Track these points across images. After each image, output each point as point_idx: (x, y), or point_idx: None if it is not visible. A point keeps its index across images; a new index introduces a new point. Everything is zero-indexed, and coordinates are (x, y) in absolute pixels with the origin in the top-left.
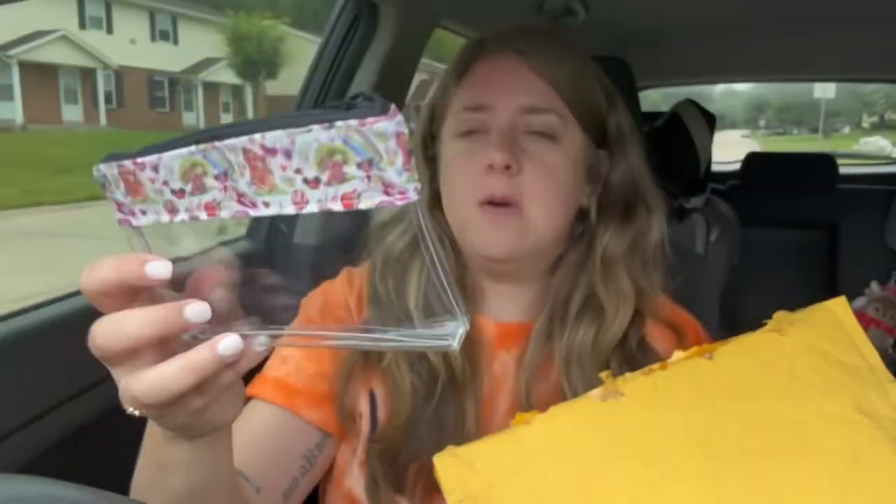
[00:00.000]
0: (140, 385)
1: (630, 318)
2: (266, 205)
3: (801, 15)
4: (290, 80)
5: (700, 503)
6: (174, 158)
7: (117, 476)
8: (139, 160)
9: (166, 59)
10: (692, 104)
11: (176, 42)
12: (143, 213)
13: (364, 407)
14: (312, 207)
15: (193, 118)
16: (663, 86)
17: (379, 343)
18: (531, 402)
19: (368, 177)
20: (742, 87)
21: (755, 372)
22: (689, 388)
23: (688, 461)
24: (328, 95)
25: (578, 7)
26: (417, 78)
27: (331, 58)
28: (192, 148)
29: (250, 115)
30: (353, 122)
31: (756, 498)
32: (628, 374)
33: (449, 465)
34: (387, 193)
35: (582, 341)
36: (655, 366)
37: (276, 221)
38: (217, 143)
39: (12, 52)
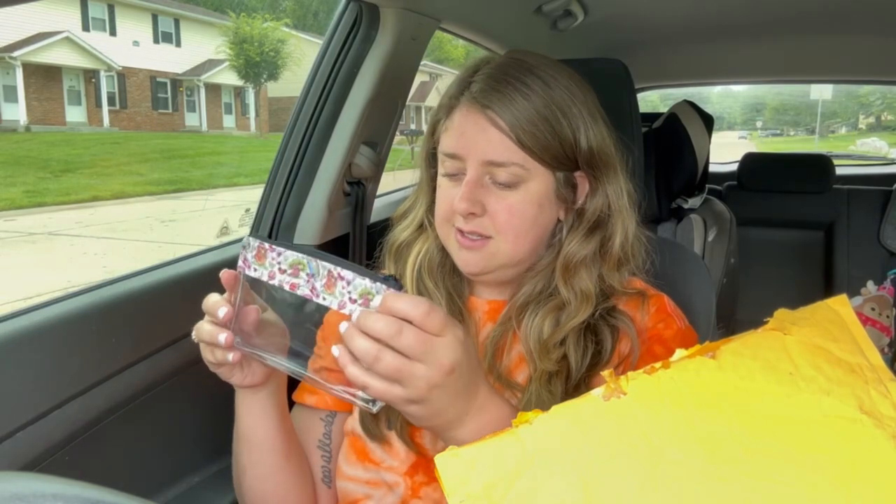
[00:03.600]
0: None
1: (591, 310)
2: (324, 299)
3: (797, 18)
4: (292, 82)
5: (703, 502)
6: (292, 255)
7: (120, 473)
8: (274, 247)
9: (169, 60)
10: (690, 105)
11: (178, 44)
12: (255, 270)
13: None
14: (346, 311)
15: (196, 119)
16: (662, 87)
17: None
18: (497, 366)
19: None
20: (739, 89)
21: (758, 371)
22: (692, 386)
23: (690, 460)
24: (329, 97)
25: (577, 9)
26: (418, 79)
27: (332, 59)
28: (305, 256)
29: (252, 116)
30: (381, 285)
31: (758, 497)
32: (631, 374)
33: (450, 465)
34: None
35: (539, 327)
36: (658, 365)
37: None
38: (319, 260)
39: (16, 53)
